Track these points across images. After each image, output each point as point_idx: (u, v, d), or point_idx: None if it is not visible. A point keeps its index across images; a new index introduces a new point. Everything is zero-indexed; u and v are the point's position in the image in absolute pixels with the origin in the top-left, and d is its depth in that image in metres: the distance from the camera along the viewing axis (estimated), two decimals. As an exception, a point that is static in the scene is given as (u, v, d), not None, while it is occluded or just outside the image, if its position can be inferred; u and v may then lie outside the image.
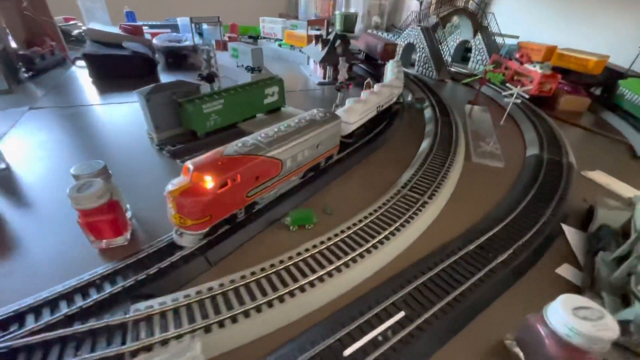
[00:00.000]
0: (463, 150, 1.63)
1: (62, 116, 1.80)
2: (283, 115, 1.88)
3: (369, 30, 4.00)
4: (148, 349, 0.65)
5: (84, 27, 3.31)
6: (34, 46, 2.49)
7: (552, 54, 2.76)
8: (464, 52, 3.65)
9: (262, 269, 0.86)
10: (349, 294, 0.85)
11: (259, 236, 1.03)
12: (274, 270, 0.86)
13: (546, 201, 1.23)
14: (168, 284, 0.82)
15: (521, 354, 0.70)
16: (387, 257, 0.97)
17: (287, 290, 0.80)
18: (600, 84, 2.67)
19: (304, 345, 0.69)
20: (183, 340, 0.66)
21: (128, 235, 0.97)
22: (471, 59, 3.41)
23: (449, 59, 3.60)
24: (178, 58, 2.98)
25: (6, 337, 0.64)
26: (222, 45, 3.08)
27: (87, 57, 2.35)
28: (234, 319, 0.72)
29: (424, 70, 3.13)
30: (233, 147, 0.96)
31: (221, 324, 0.71)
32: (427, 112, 2.11)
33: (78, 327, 0.67)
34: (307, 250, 0.94)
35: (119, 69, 2.41)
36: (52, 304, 0.73)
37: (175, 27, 3.68)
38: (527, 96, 1.98)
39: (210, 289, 0.79)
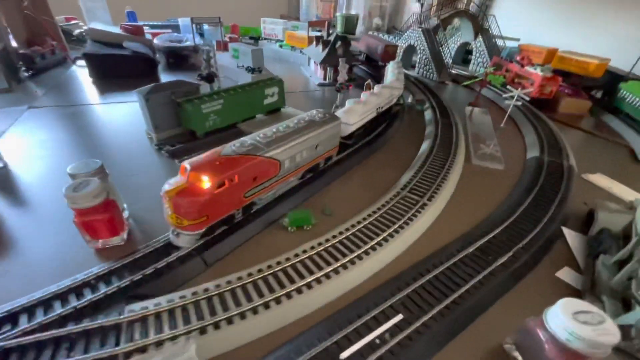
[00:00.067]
0: (463, 152, 1.62)
1: (62, 115, 1.80)
2: (283, 116, 1.88)
3: (370, 32, 4.00)
4: (142, 350, 0.64)
5: (85, 27, 3.31)
6: (35, 45, 2.48)
7: (553, 56, 2.75)
8: (464, 55, 3.65)
9: (259, 270, 0.85)
10: (346, 296, 0.85)
11: (257, 237, 1.03)
12: (271, 271, 0.85)
13: (546, 204, 1.22)
14: (164, 285, 0.81)
15: (520, 358, 0.69)
16: (386, 259, 0.96)
17: (284, 292, 0.79)
18: (601, 87, 2.67)
19: (301, 348, 0.68)
20: (178, 341, 0.66)
21: (124, 235, 0.96)
22: (472, 61, 3.41)
23: (450, 61, 3.60)
24: (179, 58, 2.98)
25: (-1, 338, 0.63)
26: (223, 46, 3.08)
27: (87, 56, 2.35)
28: (229, 321, 0.71)
29: (425, 72, 3.12)
30: (231, 147, 0.95)
31: (217, 326, 0.70)
32: (428, 114, 2.10)
33: (72, 328, 0.66)
34: (304, 251, 0.93)
35: (119, 69, 2.41)
36: (45, 304, 0.72)
37: (176, 28, 3.68)
38: (527, 98, 1.97)
39: (206, 289, 0.78)
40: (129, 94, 2.04)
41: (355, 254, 0.92)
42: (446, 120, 1.94)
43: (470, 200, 1.30)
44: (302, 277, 0.84)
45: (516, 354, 0.70)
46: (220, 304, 0.75)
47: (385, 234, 1.00)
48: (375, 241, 0.97)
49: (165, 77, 2.56)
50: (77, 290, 0.76)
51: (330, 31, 2.84)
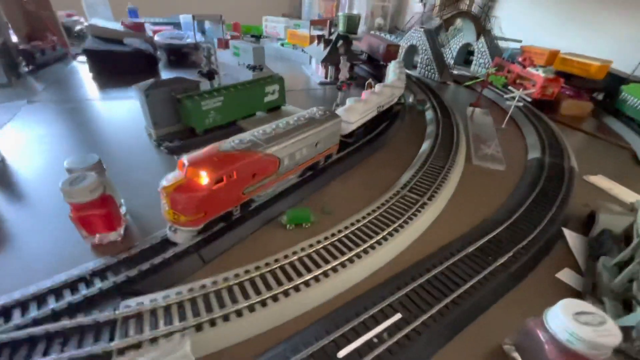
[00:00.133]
0: (464, 153, 1.62)
1: (61, 111, 1.79)
2: (283, 114, 1.87)
3: (372, 32, 3.99)
4: (136, 346, 0.63)
5: (86, 23, 3.31)
6: (36, 41, 2.48)
7: (555, 58, 2.75)
8: (466, 55, 3.64)
9: (257, 268, 0.84)
10: (344, 295, 0.84)
11: (255, 234, 1.02)
12: (269, 269, 0.84)
13: (547, 205, 1.21)
14: (160, 281, 0.80)
15: (520, 359, 0.68)
16: (385, 258, 0.95)
17: (281, 290, 0.78)
18: (602, 89, 2.66)
19: (297, 346, 0.67)
20: (173, 338, 0.65)
21: (121, 230, 0.95)
22: (473, 62, 3.40)
23: (452, 62, 3.59)
24: (180, 55, 2.97)
25: (-9, 332, 0.62)
26: (224, 44, 3.07)
27: (87, 52, 2.35)
28: (226, 318, 0.71)
29: (426, 73, 3.11)
30: (230, 143, 0.94)
31: (213, 323, 0.69)
32: (429, 114, 2.09)
33: (65, 323, 0.65)
34: (303, 249, 0.92)
35: (119, 65, 2.40)
36: (39, 299, 0.71)
37: (178, 25, 3.67)
38: (529, 99, 1.96)
39: (202, 286, 0.77)
40: (129, 90, 2.03)
41: (354, 253, 0.91)
42: (447, 121, 1.93)
43: (471, 200, 1.29)
44: (300, 275, 0.83)
45: (515, 354, 0.69)
46: (216, 301, 0.74)
47: (384, 233, 0.99)
48: (374, 240, 0.96)
49: (165, 74, 2.55)
50: (72, 285, 0.75)
51: (332, 30, 2.83)
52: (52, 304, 0.70)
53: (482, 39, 3.23)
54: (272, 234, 1.03)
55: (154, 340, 0.64)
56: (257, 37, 4.08)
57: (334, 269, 0.86)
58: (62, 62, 2.62)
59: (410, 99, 2.34)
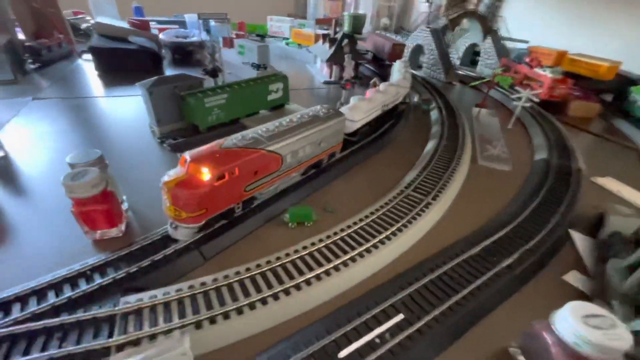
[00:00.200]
0: (469, 153, 1.60)
1: (65, 107, 1.80)
2: (287, 112, 1.86)
3: (377, 32, 3.98)
4: (135, 343, 0.62)
5: (92, 21, 3.33)
6: (42, 38, 2.49)
7: (563, 59, 2.71)
8: (472, 56, 3.61)
9: (258, 265, 0.83)
10: (346, 294, 0.83)
11: (256, 232, 1.01)
12: (270, 267, 0.83)
13: (554, 206, 1.19)
14: (160, 278, 0.79)
15: (525, 363, 0.67)
16: (388, 257, 0.94)
17: (282, 288, 0.77)
18: (611, 90, 2.62)
19: (298, 345, 0.66)
20: (172, 335, 0.64)
21: (123, 227, 0.95)
22: (480, 62, 3.37)
23: (458, 62, 3.56)
24: (184, 54, 2.97)
25: (-10, 326, 0.62)
26: (229, 43, 3.07)
27: (93, 50, 2.36)
28: (226, 316, 0.70)
29: (432, 73, 3.09)
30: (232, 139, 0.93)
31: (212, 320, 0.68)
32: (434, 114, 2.08)
33: (65, 318, 0.64)
34: (305, 247, 0.91)
35: (124, 63, 2.41)
36: (39, 293, 0.71)
37: (183, 24, 3.68)
38: (537, 100, 1.94)
39: (203, 283, 0.76)
40: (134, 87, 2.03)
41: (356, 252, 0.90)
42: (452, 121, 1.91)
43: (476, 200, 1.27)
44: (301, 273, 0.82)
45: (521, 358, 0.68)
46: (217, 298, 0.74)
47: (387, 232, 0.98)
48: (377, 239, 0.95)
49: (170, 72, 2.55)
50: (72, 280, 0.75)
51: (337, 29, 2.82)
52: (51, 299, 0.69)
53: (488, 39, 3.20)
54: (274, 232, 1.02)
55: (153, 337, 0.64)
56: (262, 36, 4.08)
57: (336, 268, 0.85)
58: (67, 60, 2.64)
59: (416, 99, 2.32)
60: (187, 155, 0.84)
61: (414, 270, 0.89)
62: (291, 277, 0.81)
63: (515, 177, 1.46)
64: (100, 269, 0.79)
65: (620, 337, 0.53)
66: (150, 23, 3.09)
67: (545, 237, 1.03)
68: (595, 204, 1.27)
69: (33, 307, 0.67)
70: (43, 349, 0.60)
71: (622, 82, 2.48)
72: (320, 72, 2.85)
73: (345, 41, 2.55)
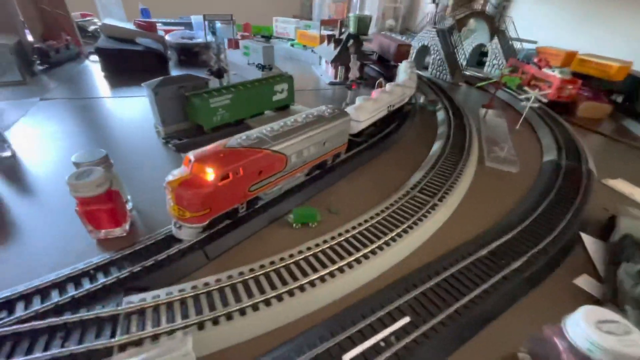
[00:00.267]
0: (476, 154, 1.57)
1: (72, 108, 1.81)
2: (292, 113, 1.85)
3: (383, 32, 3.96)
4: (138, 343, 0.62)
5: (99, 23, 3.36)
6: (50, 40, 2.52)
7: (572, 59, 2.67)
8: (479, 57, 3.58)
9: (262, 266, 0.83)
10: (351, 296, 0.81)
11: (261, 233, 1.00)
12: (274, 267, 0.82)
13: (564, 208, 1.17)
14: (164, 277, 0.79)
15: (535, 369, 0.65)
16: (393, 259, 0.92)
17: (286, 289, 0.76)
18: (622, 91, 2.57)
19: (301, 348, 0.65)
20: (174, 336, 0.63)
21: (127, 226, 0.94)
22: (487, 63, 3.34)
23: (464, 63, 3.53)
24: (190, 55, 2.99)
25: (-7, 325, 0.62)
26: (235, 44, 3.08)
27: (100, 51, 2.38)
28: (229, 316, 0.69)
29: (438, 73, 3.07)
30: (237, 139, 0.93)
31: (215, 321, 0.68)
32: (440, 115, 2.06)
33: (68, 317, 0.64)
34: (309, 248, 0.90)
35: (131, 64, 2.42)
36: (43, 292, 0.71)
37: (189, 25, 3.71)
38: (545, 100, 1.91)
39: (206, 284, 0.76)
40: (140, 88, 2.04)
41: (361, 253, 0.89)
42: (459, 122, 1.89)
43: (483, 202, 1.25)
44: (305, 274, 0.81)
45: (531, 363, 0.66)
46: (220, 299, 0.73)
47: (393, 234, 0.96)
48: (382, 240, 0.94)
49: (176, 73, 2.55)
50: (75, 279, 0.75)
51: (343, 30, 2.81)
52: (55, 298, 0.69)
53: (495, 40, 3.17)
54: (278, 233, 1.01)
55: (155, 337, 0.63)
56: (268, 38, 4.09)
57: (341, 269, 0.83)
58: (75, 61, 2.67)
59: (422, 99, 2.30)
60: (191, 155, 0.84)
61: (420, 273, 0.87)
62: (295, 279, 0.80)
63: (523, 179, 1.44)
64: (104, 268, 0.79)
65: (636, 343, 0.51)
66: (156, 24, 3.11)
67: (554, 240, 1.01)
68: (606, 206, 1.25)
69: (37, 305, 0.67)
70: (46, 349, 0.60)
71: (634, 83, 2.43)
72: (326, 73, 2.84)
73: (351, 42, 2.54)
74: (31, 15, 2.49)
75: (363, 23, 2.62)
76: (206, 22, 2.92)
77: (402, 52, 2.78)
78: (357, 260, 0.87)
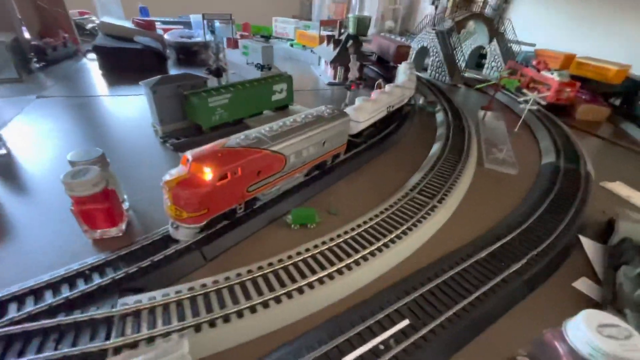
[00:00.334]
0: (475, 156, 1.57)
1: (69, 106, 1.79)
2: (290, 113, 1.84)
3: (382, 34, 3.96)
4: (133, 346, 0.61)
5: (97, 21, 3.34)
6: (47, 37, 2.50)
7: (570, 62, 2.68)
8: (478, 59, 3.59)
9: (260, 268, 0.82)
10: (350, 298, 0.81)
11: (259, 233, 0.99)
12: (272, 269, 0.81)
13: (563, 210, 1.16)
14: (160, 279, 0.78)
15: (535, 373, 0.64)
16: (392, 261, 0.92)
17: (284, 291, 0.75)
18: (620, 94, 2.58)
19: (300, 350, 0.64)
20: (170, 338, 0.62)
21: (123, 226, 0.93)
22: (486, 65, 3.34)
23: (463, 65, 3.53)
24: (189, 54, 2.98)
25: (-15, 326, 0.61)
26: (234, 43, 3.07)
27: (97, 49, 2.36)
28: (226, 319, 0.68)
29: (437, 75, 3.07)
30: (235, 139, 0.92)
31: (212, 324, 0.67)
32: (439, 116, 2.05)
33: (61, 319, 0.63)
34: (307, 250, 0.89)
35: (129, 62, 2.41)
36: (36, 293, 0.70)
37: (188, 25, 3.69)
38: (544, 102, 1.91)
39: (203, 285, 0.75)
40: (138, 87, 2.03)
41: (360, 255, 0.88)
42: (458, 123, 1.88)
43: (483, 204, 1.24)
44: (304, 276, 0.80)
45: (531, 367, 0.65)
46: (217, 301, 0.72)
47: (392, 235, 0.96)
48: (381, 242, 0.93)
49: (174, 72, 2.55)
50: (70, 280, 0.73)
51: (342, 30, 2.81)
52: (49, 299, 0.68)
53: (494, 42, 3.18)
54: (277, 234, 1.00)
55: (151, 339, 0.62)
56: (267, 38, 4.08)
57: (339, 271, 0.83)
58: (72, 59, 2.65)
59: (421, 101, 2.30)
60: (189, 154, 0.83)
61: (419, 275, 0.87)
62: (293, 280, 0.79)
63: (522, 181, 1.44)
64: (99, 268, 0.77)
65: (637, 348, 0.50)
66: (155, 23, 3.09)
67: (554, 242, 1.01)
68: (605, 209, 1.25)
69: (30, 307, 0.66)
70: (39, 351, 0.58)
71: (632, 86, 2.44)
72: (325, 73, 2.84)
73: (350, 42, 2.54)
74: (28, 12, 2.47)
75: (362, 24, 2.61)
76: (205, 21, 2.91)
77: (402, 54, 2.78)
78: (356, 262, 0.86)
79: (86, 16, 3.50)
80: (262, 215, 1.01)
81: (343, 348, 0.65)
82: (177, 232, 0.86)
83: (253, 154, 0.90)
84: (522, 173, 1.50)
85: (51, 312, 0.66)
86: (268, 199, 1.07)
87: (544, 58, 2.69)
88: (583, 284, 0.92)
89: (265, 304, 0.72)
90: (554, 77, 2.34)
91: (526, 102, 1.94)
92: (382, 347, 0.66)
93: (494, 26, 3.17)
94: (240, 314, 0.69)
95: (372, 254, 0.89)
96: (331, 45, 2.71)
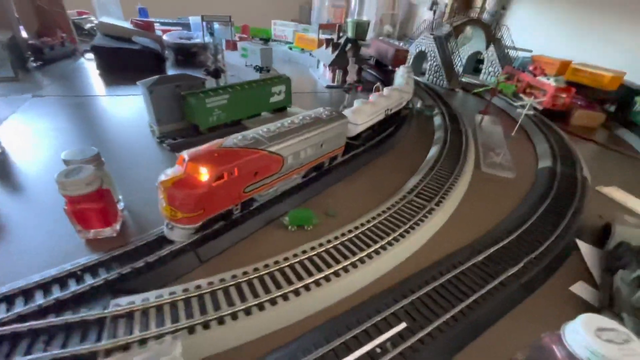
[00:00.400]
0: (473, 159, 1.57)
1: (65, 105, 1.78)
2: (289, 115, 1.83)
3: (381, 38, 3.98)
4: (124, 348, 0.60)
5: (96, 21, 3.33)
6: (45, 37, 2.49)
7: (566, 68, 2.70)
8: (475, 64, 3.61)
9: (255, 269, 0.81)
10: (346, 301, 0.80)
11: (255, 235, 0.98)
12: (268, 270, 0.80)
13: (560, 214, 1.17)
14: (154, 280, 0.77)
15: (533, 377, 0.63)
16: (390, 264, 0.91)
17: (280, 293, 0.74)
18: (615, 101, 2.60)
19: (295, 354, 0.63)
20: (163, 340, 0.61)
21: (117, 226, 0.92)
22: (483, 71, 3.36)
23: (461, 70, 3.55)
24: (188, 55, 2.97)
25: (-27, 327, 0.59)
26: (232, 45, 3.07)
27: (95, 49, 2.35)
28: (220, 321, 0.67)
29: (435, 79, 3.08)
30: (232, 139, 0.91)
31: (206, 325, 0.65)
32: (437, 120, 2.06)
33: (51, 320, 0.62)
34: (304, 252, 0.88)
35: (127, 63, 2.39)
36: (27, 294, 0.68)
37: (187, 26, 3.69)
38: (540, 108, 1.92)
39: (198, 287, 0.74)
40: (135, 87, 2.02)
41: (357, 257, 0.87)
42: (455, 127, 1.89)
43: (480, 207, 1.24)
44: (300, 278, 0.79)
45: (528, 371, 0.65)
46: (211, 302, 0.71)
47: (390, 238, 0.95)
48: (379, 244, 0.92)
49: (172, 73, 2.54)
50: (61, 281, 0.72)
51: (341, 34, 2.82)
52: (39, 300, 0.67)
53: (492, 48, 3.20)
54: (273, 235, 0.99)
55: (143, 341, 0.61)
56: (266, 40, 4.08)
57: (336, 273, 0.82)
58: (70, 59, 2.63)
59: (419, 105, 2.31)
60: (185, 154, 0.82)
61: (416, 278, 0.86)
62: (289, 282, 0.78)
63: (519, 185, 1.44)
64: (92, 269, 0.76)
65: (635, 352, 0.50)
66: (154, 24, 3.09)
67: (551, 246, 1.00)
68: (601, 213, 1.25)
69: (19, 307, 0.64)
70: (27, 352, 0.57)
71: (627, 93, 2.46)
72: (323, 76, 2.84)
73: (349, 46, 2.54)
74: (27, 11, 2.46)
75: (361, 28, 2.62)
76: (204, 23, 2.91)
77: (400, 58, 2.79)
78: (353, 265, 0.85)
79: (85, 16, 3.49)
80: (258, 216, 1.00)
81: (339, 351, 0.64)
82: (172, 232, 0.85)
83: (250, 155, 0.89)
84: (519, 177, 1.51)
85: (41, 313, 0.64)
86: (265, 200, 1.06)
87: (541, 64, 2.71)
88: (580, 288, 0.91)
89: (260, 306, 0.71)
90: (550, 83, 2.36)
91: (523, 106, 1.95)
92: (378, 350, 0.65)
93: (492, 32, 3.19)
94: (234, 316, 0.68)
95: (369, 256, 0.89)
96: (330, 49, 2.72)
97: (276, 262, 0.84)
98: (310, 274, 0.81)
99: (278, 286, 0.77)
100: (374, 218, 1.04)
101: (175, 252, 0.83)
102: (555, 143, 1.83)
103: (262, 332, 0.70)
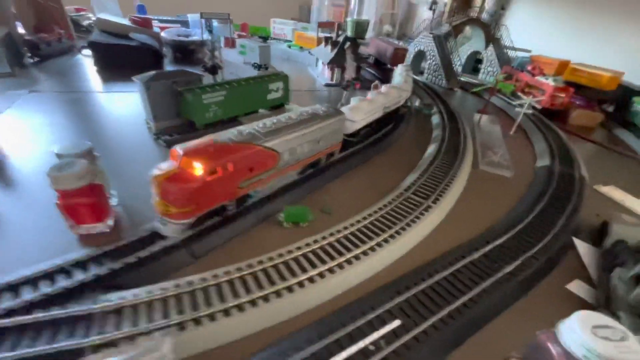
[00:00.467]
0: (470, 157, 1.57)
1: (62, 101, 1.76)
2: (286, 112, 1.83)
3: (380, 37, 3.98)
4: (113, 344, 0.58)
5: (93, 18, 3.31)
6: (42, 33, 2.47)
7: (565, 68, 2.70)
8: (474, 64, 3.60)
9: (249, 265, 0.80)
10: (341, 298, 0.79)
11: (250, 231, 0.97)
12: (262, 267, 0.79)
13: (557, 213, 1.16)
14: (146, 276, 0.75)
15: (528, 376, 0.63)
16: (385, 261, 0.90)
17: (273, 290, 0.73)
18: (613, 101, 2.60)
19: (287, 351, 0.62)
20: (153, 337, 0.60)
21: (110, 222, 0.91)
22: (482, 70, 3.36)
23: (460, 69, 3.55)
24: (186, 52, 2.95)
25: (-41, 321, 0.58)
26: (231, 43, 3.06)
27: (92, 45, 2.33)
28: (212, 317, 0.66)
29: (434, 78, 3.08)
30: (227, 134, 0.90)
31: (198, 322, 0.64)
32: (435, 118, 2.05)
33: (39, 316, 0.60)
34: (299, 248, 0.87)
35: (124, 59, 2.37)
36: (15, 289, 0.67)
37: (185, 23, 3.67)
38: (539, 107, 1.91)
39: (190, 282, 0.73)
40: (132, 84, 2.00)
41: (352, 254, 0.86)
42: (454, 125, 1.88)
43: (477, 205, 1.24)
44: (294, 274, 0.78)
45: (524, 370, 0.64)
46: (204, 298, 0.70)
47: (386, 235, 0.94)
48: (375, 241, 0.91)
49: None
50: (50, 276, 0.71)
51: (340, 32, 2.81)
52: (27, 295, 0.65)
53: (491, 47, 3.20)
54: (268, 232, 0.98)
55: (132, 338, 0.60)
56: (265, 39, 4.07)
57: (331, 270, 0.81)
58: (67, 55, 2.61)
59: (417, 103, 2.30)
60: (179, 148, 0.81)
61: (412, 275, 0.85)
62: (283, 279, 0.77)
63: (517, 184, 1.43)
64: (83, 264, 0.75)
65: (631, 350, 0.49)
66: (152, 21, 3.07)
67: (548, 244, 1.00)
68: (599, 212, 1.24)
69: (7, 303, 0.63)
70: (13, 348, 0.56)
71: (625, 93, 2.46)
72: (322, 74, 2.83)
73: (348, 44, 2.53)
74: (24, 7, 2.44)
75: (360, 27, 2.61)
76: (203, 20, 2.90)
77: (399, 56, 2.79)
78: (348, 261, 0.84)
79: (82, 13, 3.47)
80: (253, 212, 0.99)
81: (332, 348, 0.63)
82: (165, 228, 0.84)
83: (245, 150, 0.88)
84: (517, 176, 1.50)
85: (29, 308, 0.63)
86: (260, 197, 1.05)
87: (539, 64, 2.71)
88: (577, 286, 0.91)
89: (253, 303, 0.70)
90: (549, 82, 2.35)
91: (521, 105, 1.94)
92: (372, 347, 0.64)
93: (491, 32, 3.19)
94: (227, 313, 0.67)
95: (364, 253, 0.88)
96: (329, 47, 2.71)
97: (270, 259, 0.83)
98: (304, 271, 0.80)
99: (272, 282, 0.75)
100: (370, 215, 1.04)
101: (168, 248, 0.81)
102: (554, 142, 1.82)
103: (255, 329, 0.69)
